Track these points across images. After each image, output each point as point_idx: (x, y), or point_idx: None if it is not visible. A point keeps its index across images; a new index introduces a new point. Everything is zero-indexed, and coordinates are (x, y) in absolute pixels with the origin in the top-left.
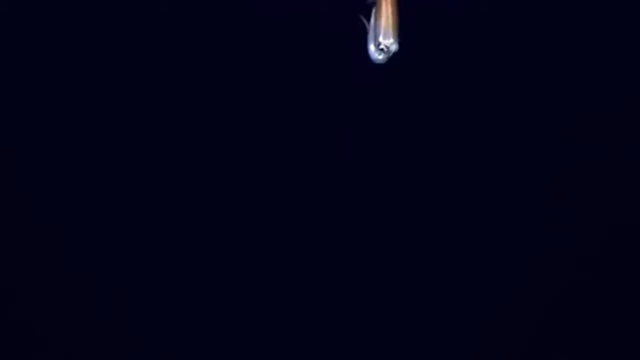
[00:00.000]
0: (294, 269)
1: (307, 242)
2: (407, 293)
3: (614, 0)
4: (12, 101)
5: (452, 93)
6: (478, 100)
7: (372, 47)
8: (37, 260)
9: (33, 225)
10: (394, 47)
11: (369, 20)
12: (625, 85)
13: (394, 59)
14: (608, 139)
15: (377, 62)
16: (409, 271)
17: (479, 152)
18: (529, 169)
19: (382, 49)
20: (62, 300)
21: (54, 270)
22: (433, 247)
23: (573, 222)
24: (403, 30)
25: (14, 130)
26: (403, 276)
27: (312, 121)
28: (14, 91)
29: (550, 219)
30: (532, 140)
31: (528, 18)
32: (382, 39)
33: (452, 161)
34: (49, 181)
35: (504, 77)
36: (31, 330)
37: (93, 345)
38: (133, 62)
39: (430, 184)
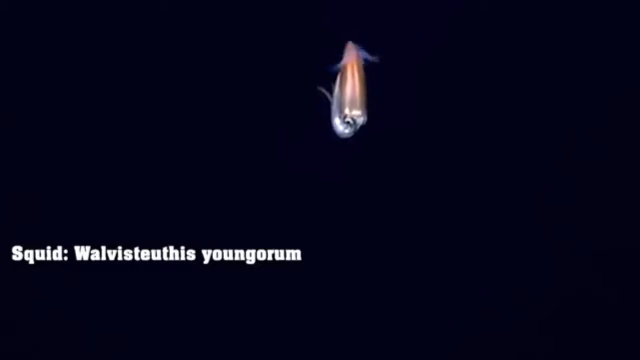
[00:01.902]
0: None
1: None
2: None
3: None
4: None
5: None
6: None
7: (337, 120)
8: None
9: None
10: (361, 120)
11: (331, 91)
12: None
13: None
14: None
15: (343, 136)
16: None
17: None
18: (524, 175)
19: (348, 122)
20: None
21: None
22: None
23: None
24: (371, 101)
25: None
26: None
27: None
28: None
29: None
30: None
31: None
32: (348, 111)
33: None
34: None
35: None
36: None
37: None
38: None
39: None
